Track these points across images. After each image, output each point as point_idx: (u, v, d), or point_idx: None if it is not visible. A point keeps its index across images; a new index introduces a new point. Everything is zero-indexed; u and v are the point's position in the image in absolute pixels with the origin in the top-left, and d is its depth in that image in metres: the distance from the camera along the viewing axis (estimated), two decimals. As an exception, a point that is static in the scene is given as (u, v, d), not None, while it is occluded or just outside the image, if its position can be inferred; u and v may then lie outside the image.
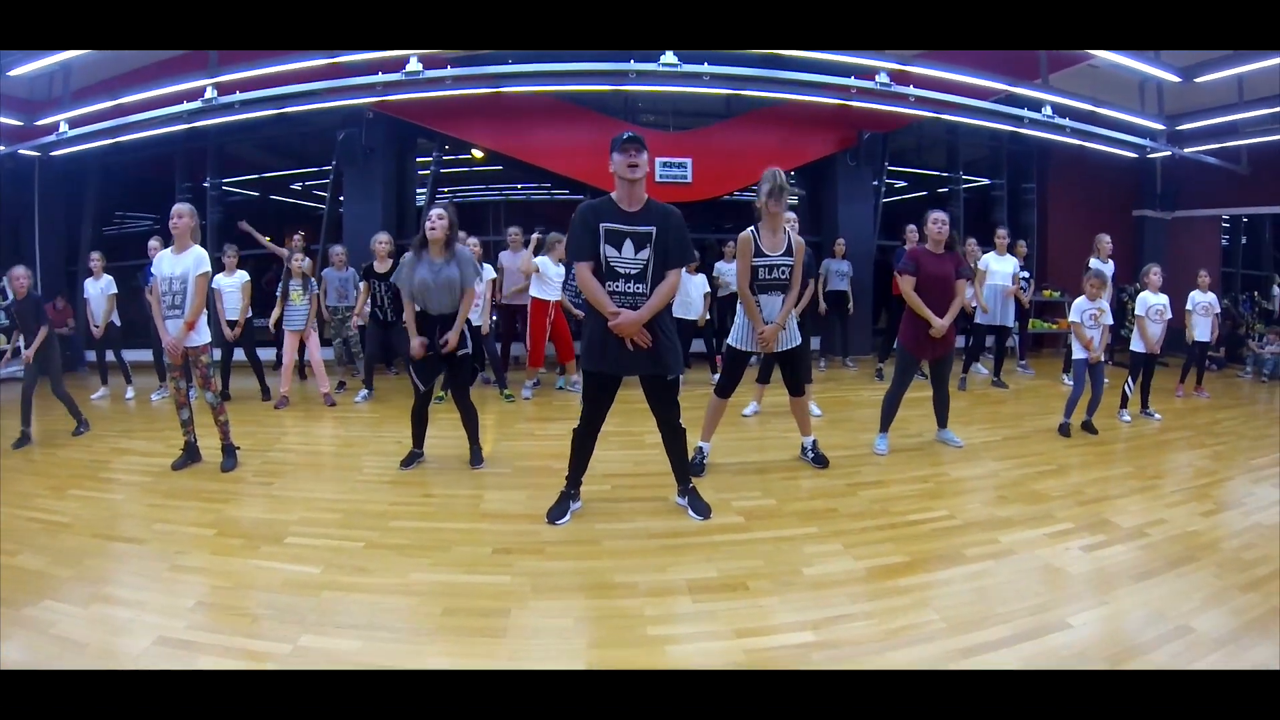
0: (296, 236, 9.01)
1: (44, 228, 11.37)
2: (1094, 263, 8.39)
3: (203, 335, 5.29)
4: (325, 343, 8.41)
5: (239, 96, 8.13)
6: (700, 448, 5.16)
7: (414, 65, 7.22)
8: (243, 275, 7.81)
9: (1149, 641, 2.88)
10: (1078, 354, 6.51)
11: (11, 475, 5.30)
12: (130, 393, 8.52)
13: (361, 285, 7.74)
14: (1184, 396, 8.28)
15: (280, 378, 7.85)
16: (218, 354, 6.53)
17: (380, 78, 7.86)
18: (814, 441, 5.37)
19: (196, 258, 5.14)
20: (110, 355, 8.74)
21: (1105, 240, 8.87)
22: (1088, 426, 6.42)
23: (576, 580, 3.42)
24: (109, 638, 2.91)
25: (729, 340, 5.18)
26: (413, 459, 5.29)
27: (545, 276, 7.70)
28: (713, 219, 11.95)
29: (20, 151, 10.10)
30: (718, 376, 5.39)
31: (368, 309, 7.84)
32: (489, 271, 7.85)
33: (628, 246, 3.78)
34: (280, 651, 2.75)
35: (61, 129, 8.89)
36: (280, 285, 7.98)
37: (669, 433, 4.15)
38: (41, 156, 10.59)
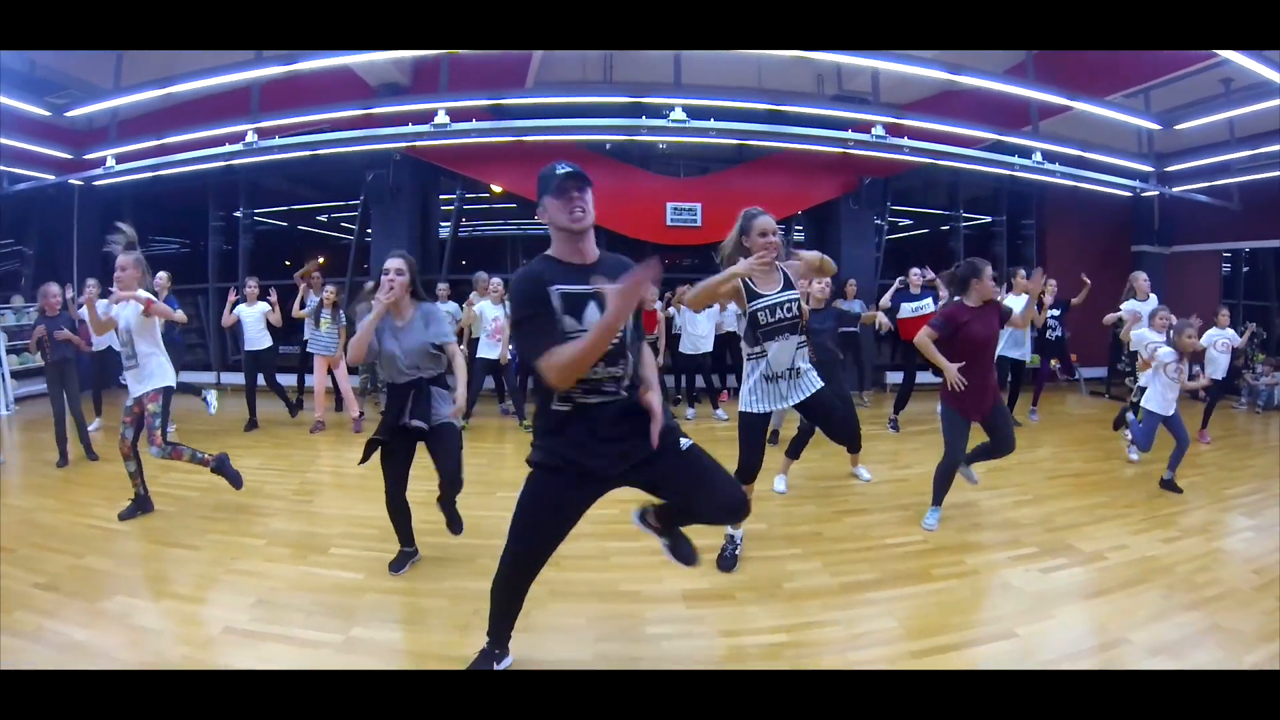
0: (316, 269, 9.12)
1: (81, 251, 11.84)
2: (1129, 306, 8.27)
3: (157, 378, 5.06)
4: (351, 371, 8.83)
5: (277, 141, 8.69)
6: (731, 536, 4.39)
7: (442, 118, 7.74)
8: (263, 306, 8.15)
9: (1085, 650, 3.30)
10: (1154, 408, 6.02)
11: (66, 486, 5.81)
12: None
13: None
14: (1210, 441, 7.98)
15: (315, 404, 8.24)
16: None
17: (410, 129, 8.38)
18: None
19: (133, 305, 4.92)
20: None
21: (1142, 278, 8.67)
22: (1169, 484, 5.96)
23: (587, 589, 3.91)
24: (181, 628, 3.39)
25: (740, 407, 4.27)
26: (405, 560, 4.22)
27: None
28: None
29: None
30: (738, 459, 4.25)
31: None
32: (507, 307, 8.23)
33: (591, 311, 2.55)
34: (333, 641, 3.25)
35: (109, 163, 9.41)
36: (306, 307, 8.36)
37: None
38: (82, 185, 11.07)
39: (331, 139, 8.85)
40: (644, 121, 8.37)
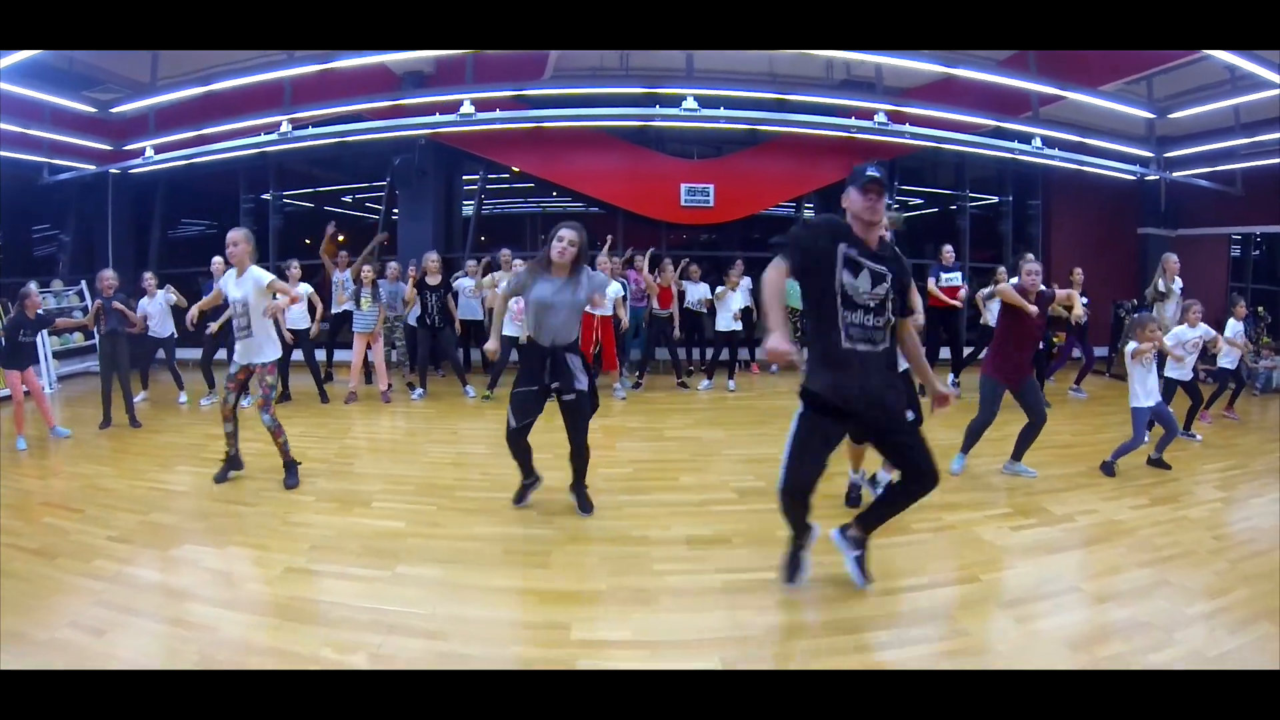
0: (334, 243, 9.68)
1: (116, 235, 12.36)
2: (1166, 286, 8.83)
3: (272, 350, 5.40)
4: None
5: (310, 130, 9.17)
6: (855, 476, 5.06)
7: (467, 108, 8.20)
8: (306, 288, 8.58)
9: (1040, 594, 3.72)
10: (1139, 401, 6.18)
11: (120, 455, 6.32)
12: (182, 398, 8.89)
13: (407, 290, 8.76)
14: (1211, 421, 8.29)
15: (351, 376, 8.72)
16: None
17: (437, 118, 8.85)
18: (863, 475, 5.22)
19: (255, 278, 5.22)
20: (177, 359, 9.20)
21: (1173, 260, 9.07)
22: (1158, 462, 6.27)
23: (602, 534, 4.43)
24: (248, 568, 3.90)
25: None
26: (526, 491, 4.89)
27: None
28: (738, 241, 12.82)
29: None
30: None
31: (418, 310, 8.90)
32: None
33: (864, 277, 3.17)
34: (383, 576, 3.76)
35: (148, 153, 9.91)
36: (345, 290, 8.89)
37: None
38: (118, 173, 11.56)
39: (362, 127, 9.34)
40: (657, 110, 8.81)
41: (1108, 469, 6.02)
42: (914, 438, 3.46)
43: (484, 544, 4.23)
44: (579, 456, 4.73)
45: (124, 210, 12.39)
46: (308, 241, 12.07)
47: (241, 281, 5.26)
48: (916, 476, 3.42)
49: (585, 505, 4.80)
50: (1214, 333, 7.30)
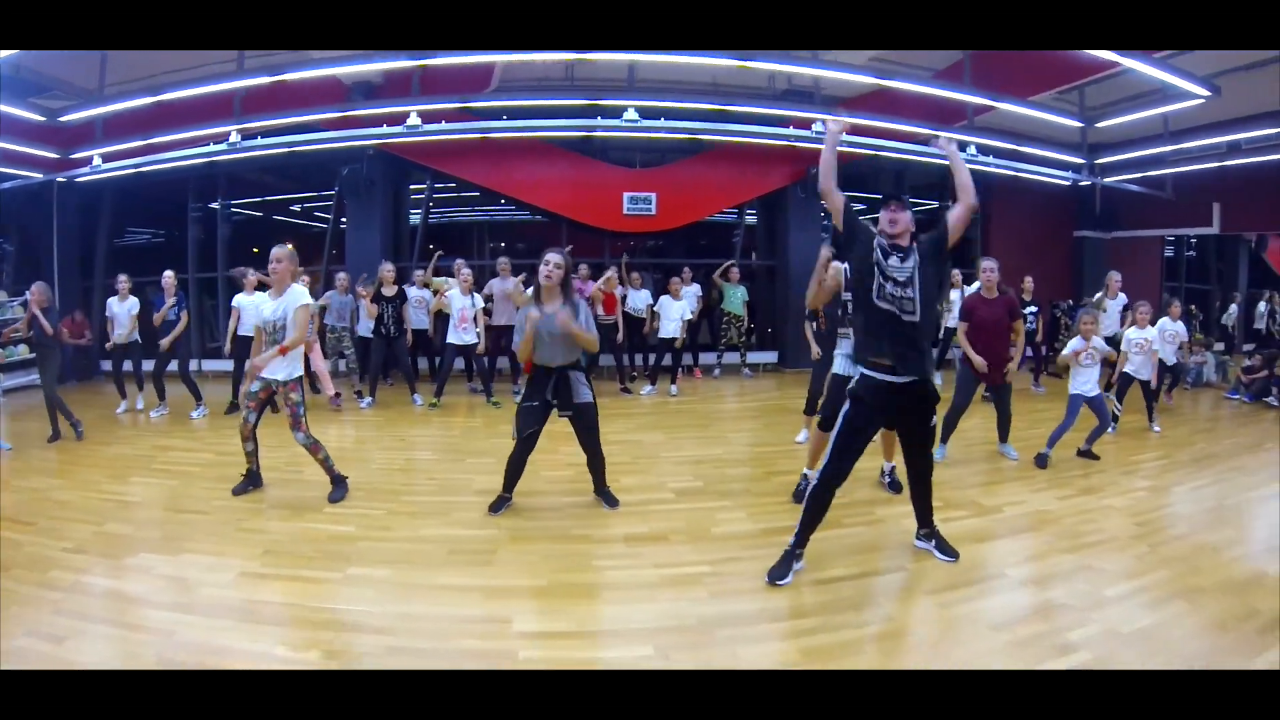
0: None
1: (61, 244, 12.12)
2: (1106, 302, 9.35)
3: (295, 368, 5.30)
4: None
5: (260, 141, 9.23)
6: (805, 476, 5.36)
7: (414, 119, 8.34)
8: (261, 296, 8.66)
9: (965, 581, 3.97)
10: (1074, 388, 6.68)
11: (72, 467, 6.31)
12: (121, 408, 8.93)
13: (366, 306, 8.85)
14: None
15: (323, 385, 8.76)
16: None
17: (385, 129, 8.98)
18: (893, 468, 5.59)
19: (295, 294, 5.19)
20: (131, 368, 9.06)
21: (1116, 277, 9.58)
22: (1086, 454, 6.68)
23: (545, 532, 4.63)
24: (202, 574, 3.98)
25: (833, 370, 5.24)
26: (501, 504, 5.00)
27: None
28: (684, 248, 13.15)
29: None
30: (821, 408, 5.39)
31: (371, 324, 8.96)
32: (478, 300, 8.87)
33: (894, 260, 3.73)
34: (335, 578, 3.91)
35: (95, 162, 9.83)
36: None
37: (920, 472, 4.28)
38: (63, 181, 11.39)
39: (311, 138, 9.43)
40: (599, 121, 9.06)
41: (1041, 460, 6.40)
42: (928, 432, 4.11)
43: (431, 545, 4.40)
44: (595, 462, 5.07)
45: (70, 219, 12.21)
46: (255, 251, 12.08)
47: (280, 301, 5.23)
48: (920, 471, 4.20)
49: (611, 501, 5.13)
50: (1154, 333, 7.82)
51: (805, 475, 5.40)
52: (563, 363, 4.79)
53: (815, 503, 3.94)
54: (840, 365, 5.16)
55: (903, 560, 4.27)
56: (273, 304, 5.28)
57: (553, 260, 4.71)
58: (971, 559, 4.29)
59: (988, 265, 6.32)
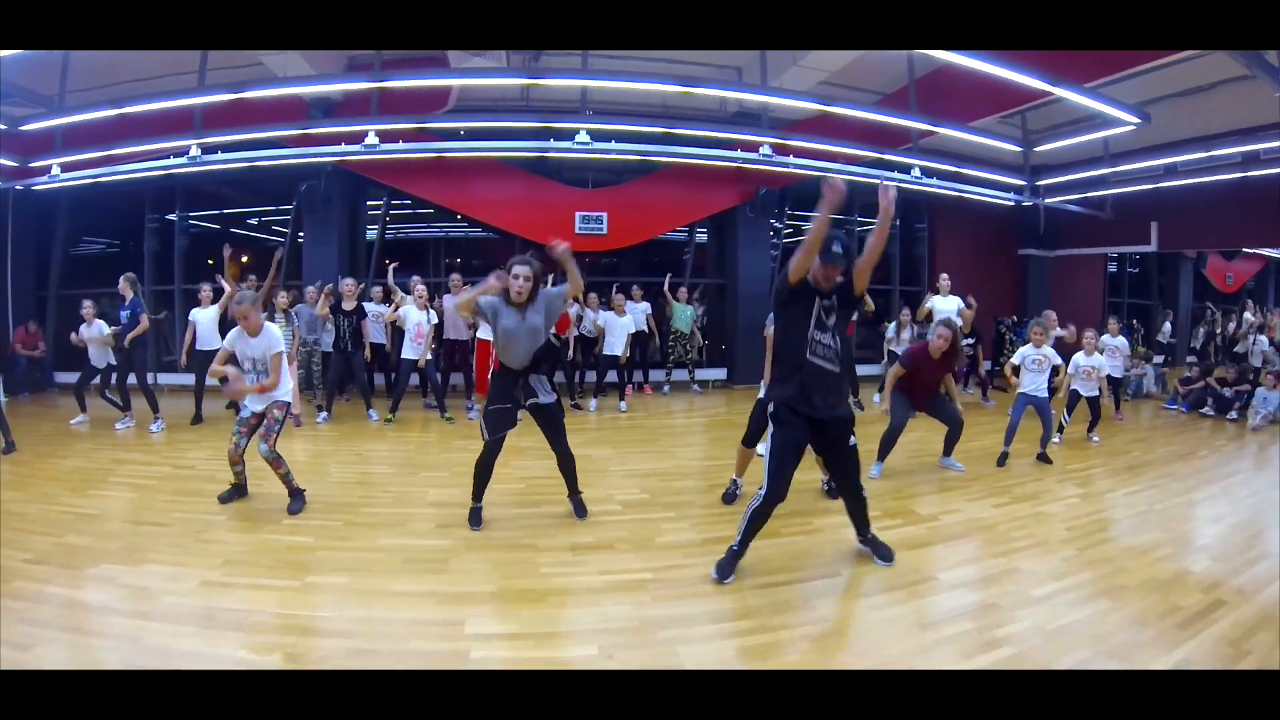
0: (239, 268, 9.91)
1: (16, 254, 12.02)
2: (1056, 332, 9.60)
3: (284, 390, 5.55)
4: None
5: (219, 156, 9.33)
6: (735, 481, 5.82)
7: (371, 139, 8.51)
8: (215, 309, 8.77)
9: (897, 585, 4.23)
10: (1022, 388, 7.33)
11: (30, 480, 6.31)
12: (77, 420, 8.87)
13: (321, 308, 8.94)
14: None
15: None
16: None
17: (343, 147, 9.14)
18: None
19: (272, 337, 5.45)
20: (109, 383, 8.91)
21: (1051, 316, 9.68)
22: (1042, 458, 7.26)
23: (495, 543, 4.82)
24: (163, 584, 4.09)
25: (759, 396, 5.64)
26: (477, 516, 5.13)
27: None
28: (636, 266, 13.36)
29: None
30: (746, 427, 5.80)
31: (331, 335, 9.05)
32: (433, 315, 9.00)
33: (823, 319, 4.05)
34: (294, 585, 4.08)
35: (54, 171, 9.81)
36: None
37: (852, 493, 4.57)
38: (16, 188, 11.27)
39: (270, 154, 9.54)
40: (552, 143, 9.34)
41: (1002, 459, 7.04)
42: (853, 459, 4.40)
43: (387, 554, 4.58)
44: (565, 464, 5.24)
45: (24, 228, 12.11)
46: (210, 262, 12.11)
47: (256, 343, 5.44)
48: (854, 495, 4.50)
49: (581, 511, 5.32)
50: (1101, 360, 8.38)
51: (735, 481, 5.84)
52: (529, 365, 4.95)
53: (758, 519, 4.21)
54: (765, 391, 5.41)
55: (838, 567, 4.50)
56: (248, 343, 5.44)
57: (521, 274, 4.79)
58: (905, 565, 4.54)
59: (943, 332, 6.33)
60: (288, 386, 5.62)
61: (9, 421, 7.36)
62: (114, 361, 8.63)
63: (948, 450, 6.96)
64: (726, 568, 4.20)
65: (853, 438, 4.34)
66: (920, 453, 7.27)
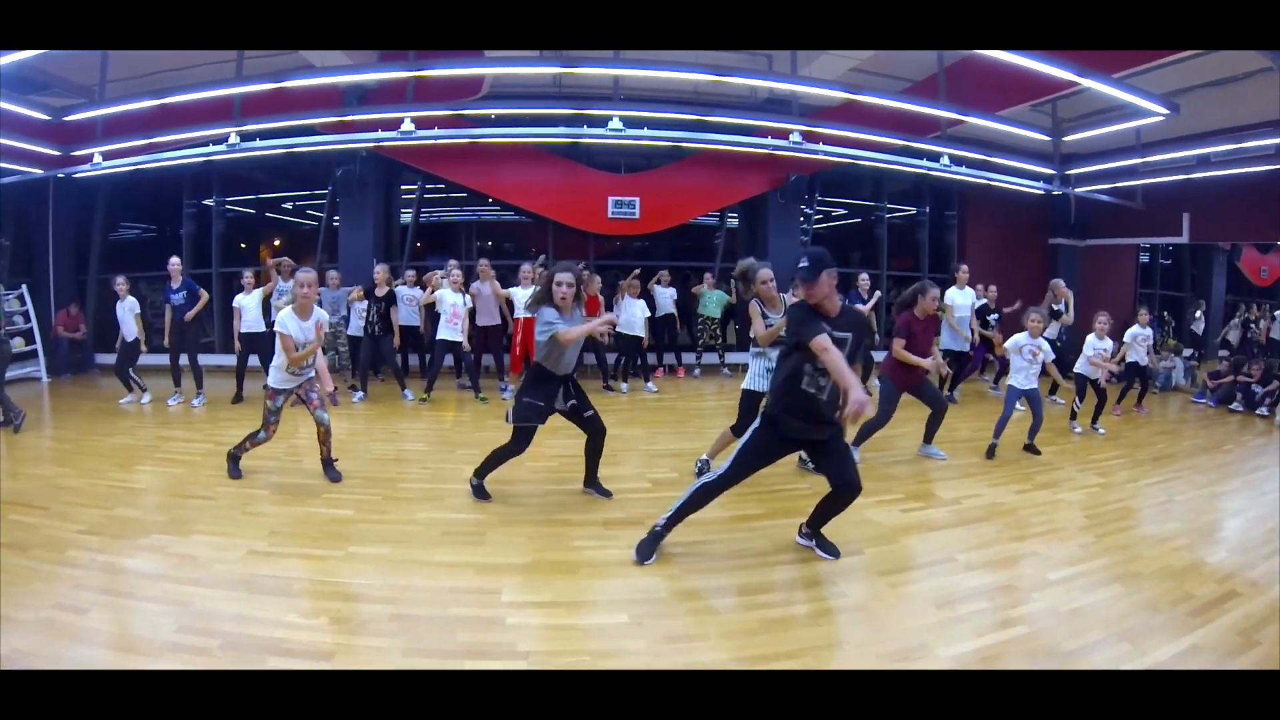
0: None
1: (57, 240, 12.37)
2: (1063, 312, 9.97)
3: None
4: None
5: (257, 143, 9.54)
6: (706, 460, 6.00)
7: (408, 126, 8.66)
8: (259, 294, 9.02)
9: (917, 564, 4.38)
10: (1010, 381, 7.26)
11: (78, 456, 6.59)
12: (135, 398, 9.14)
13: (360, 304, 9.20)
14: (1121, 415, 9.45)
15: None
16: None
17: (379, 133, 9.31)
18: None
19: (318, 315, 5.72)
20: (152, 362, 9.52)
21: (1061, 285, 10.27)
22: (1030, 448, 7.18)
23: (530, 517, 5.00)
24: (213, 553, 4.28)
25: (744, 386, 5.82)
26: (480, 490, 5.36)
27: (519, 301, 9.24)
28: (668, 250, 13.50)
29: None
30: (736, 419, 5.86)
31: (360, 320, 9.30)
32: (468, 299, 9.16)
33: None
34: (337, 555, 4.26)
35: (96, 159, 9.99)
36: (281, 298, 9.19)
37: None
38: (58, 176, 11.54)
39: (307, 140, 9.75)
40: (585, 130, 9.48)
41: (990, 451, 6.91)
42: (846, 458, 4.32)
43: (425, 527, 4.76)
44: (594, 456, 5.42)
45: (65, 214, 12.42)
46: (243, 246, 12.34)
47: (306, 326, 5.63)
48: (846, 488, 4.21)
49: (604, 494, 5.48)
50: (1110, 344, 8.38)
51: (705, 460, 6.03)
52: (573, 372, 5.13)
53: (703, 498, 4.31)
54: (753, 381, 5.72)
55: (861, 544, 4.62)
56: (300, 329, 5.60)
57: (564, 281, 4.89)
58: (926, 545, 4.67)
59: (933, 294, 6.44)
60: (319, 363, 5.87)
61: (10, 399, 7.59)
62: (139, 337, 8.96)
63: (928, 437, 6.91)
64: (647, 550, 4.29)
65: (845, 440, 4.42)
66: (943, 439, 7.24)
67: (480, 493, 5.32)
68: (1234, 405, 10.49)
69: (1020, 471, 6.50)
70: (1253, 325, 15.75)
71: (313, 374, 5.85)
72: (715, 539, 4.62)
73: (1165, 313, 16.33)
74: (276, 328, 5.57)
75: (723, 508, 5.16)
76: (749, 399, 5.75)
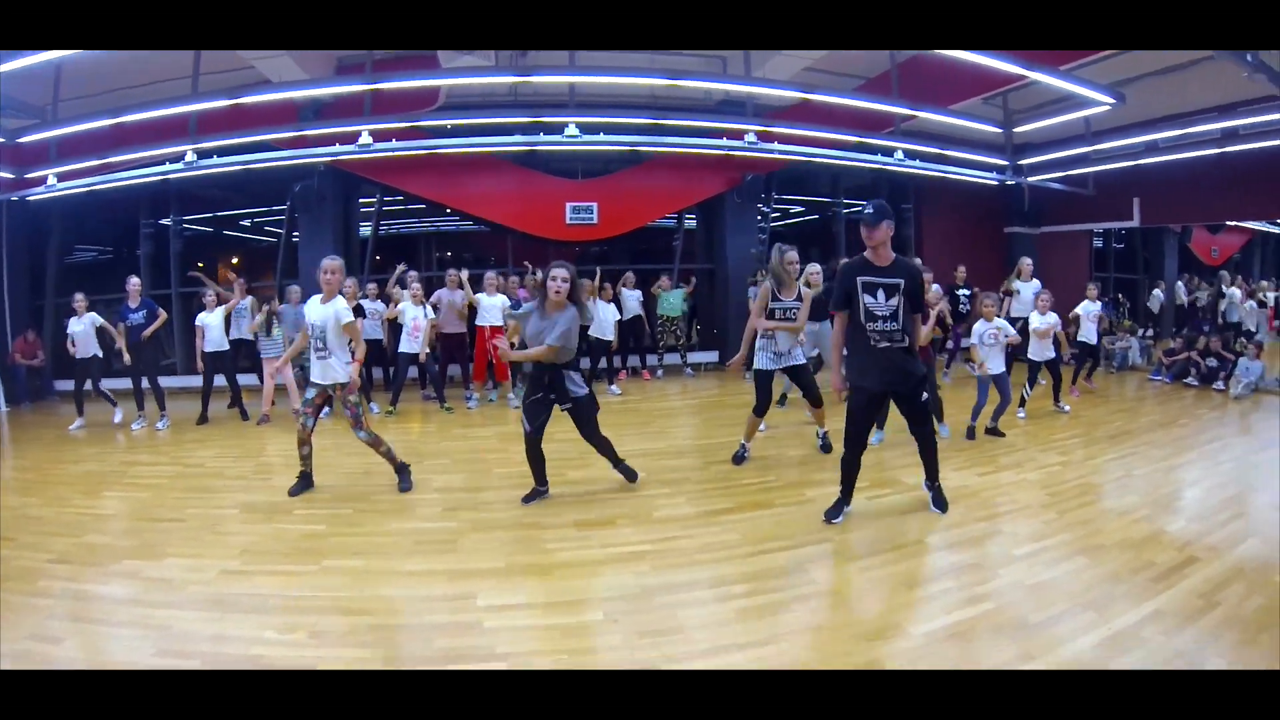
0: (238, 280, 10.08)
1: (11, 264, 12.08)
2: (1015, 284, 10.23)
3: (342, 373, 5.73)
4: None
5: (214, 160, 9.50)
6: (743, 445, 6.42)
7: (365, 139, 8.67)
8: (221, 312, 8.98)
9: (885, 548, 4.47)
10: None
11: (43, 485, 6.48)
12: (119, 416, 9.13)
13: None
14: (1079, 394, 9.63)
15: (262, 399, 9.05)
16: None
17: (336, 147, 9.30)
18: (825, 433, 6.66)
19: (337, 309, 5.63)
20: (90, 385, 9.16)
21: (1027, 263, 10.52)
22: (993, 431, 7.32)
23: (500, 522, 5.06)
24: (185, 575, 4.26)
25: (755, 366, 6.23)
26: (535, 495, 5.49)
27: (483, 308, 9.39)
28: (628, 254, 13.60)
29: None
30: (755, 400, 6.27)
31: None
32: (429, 310, 9.18)
33: (880, 294, 4.55)
34: (311, 570, 4.27)
35: (50, 181, 9.86)
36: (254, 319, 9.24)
37: (922, 440, 5.10)
38: (11, 199, 11.23)
39: (264, 156, 9.73)
40: (541, 137, 9.59)
41: (970, 433, 7.18)
42: (924, 409, 5.01)
43: (398, 538, 4.79)
44: (602, 448, 5.61)
45: (19, 238, 12.17)
46: (200, 265, 12.23)
47: (325, 308, 5.65)
48: (924, 438, 5.07)
49: (630, 475, 5.77)
50: (1057, 319, 8.37)
51: (743, 445, 6.42)
52: (556, 362, 5.19)
53: (848, 466, 4.92)
54: (762, 361, 6.06)
55: (828, 532, 4.74)
56: (320, 309, 5.67)
57: (559, 275, 5.07)
58: (893, 531, 4.79)
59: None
60: (348, 367, 5.79)
61: None
62: (99, 354, 8.94)
63: (938, 417, 7.01)
64: (837, 510, 4.91)
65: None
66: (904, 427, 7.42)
67: (533, 496, 5.52)
68: (1189, 380, 10.74)
69: (983, 455, 6.65)
70: (1197, 295, 16.15)
71: (327, 380, 5.77)
72: (686, 534, 4.70)
73: (1120, 294, 16.64)
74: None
75: (690, 504, 5.29)
76: (761, 379, 6.20)
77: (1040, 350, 8.30)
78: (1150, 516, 4.97)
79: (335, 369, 5.71)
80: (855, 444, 4.85)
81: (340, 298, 5.74)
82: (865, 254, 4.63)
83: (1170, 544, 4.44)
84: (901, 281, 4.54)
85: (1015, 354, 8.27)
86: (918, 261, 5.18)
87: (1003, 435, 7.25)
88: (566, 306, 5.15)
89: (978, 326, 7.40)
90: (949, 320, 9.97)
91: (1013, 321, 8.40)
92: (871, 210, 4.49)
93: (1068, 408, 8.55)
